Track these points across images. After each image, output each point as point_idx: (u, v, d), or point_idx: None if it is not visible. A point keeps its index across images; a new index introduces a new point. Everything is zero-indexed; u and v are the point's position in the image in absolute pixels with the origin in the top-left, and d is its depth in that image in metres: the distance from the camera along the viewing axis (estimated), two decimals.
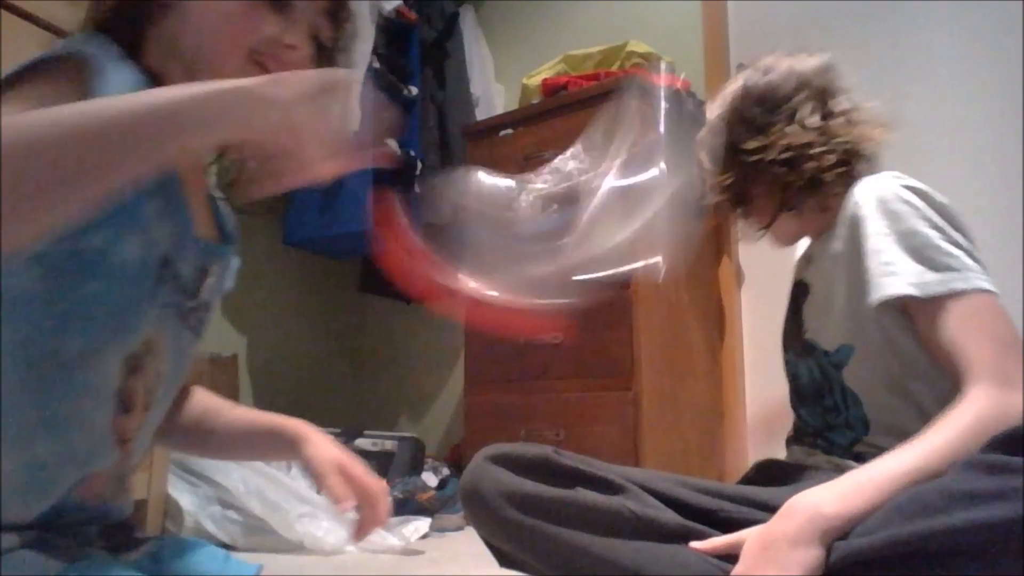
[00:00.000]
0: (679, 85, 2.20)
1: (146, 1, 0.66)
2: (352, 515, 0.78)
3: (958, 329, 0.79)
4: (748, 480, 1.00)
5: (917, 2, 2.15)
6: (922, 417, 0.83)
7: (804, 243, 1.09)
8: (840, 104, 0.99)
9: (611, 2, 2.71)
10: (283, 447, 0.81)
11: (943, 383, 0.83)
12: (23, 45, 1.32)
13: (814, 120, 0.97)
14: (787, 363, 1.05)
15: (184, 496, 1.73)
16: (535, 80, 2.40)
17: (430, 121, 2.66)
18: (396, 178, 2.59)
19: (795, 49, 1.06)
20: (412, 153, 2.59)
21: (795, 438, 1.03)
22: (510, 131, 2.29)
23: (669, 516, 0.78)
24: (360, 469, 0.79)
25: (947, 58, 2.09)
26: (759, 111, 0.99)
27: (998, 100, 1.99)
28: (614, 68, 2.29)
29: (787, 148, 0.96)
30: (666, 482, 0.86)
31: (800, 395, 1.02)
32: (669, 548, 0.76)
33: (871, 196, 0.89)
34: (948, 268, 0.81)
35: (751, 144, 0.98)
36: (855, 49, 2.23)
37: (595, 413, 1.93)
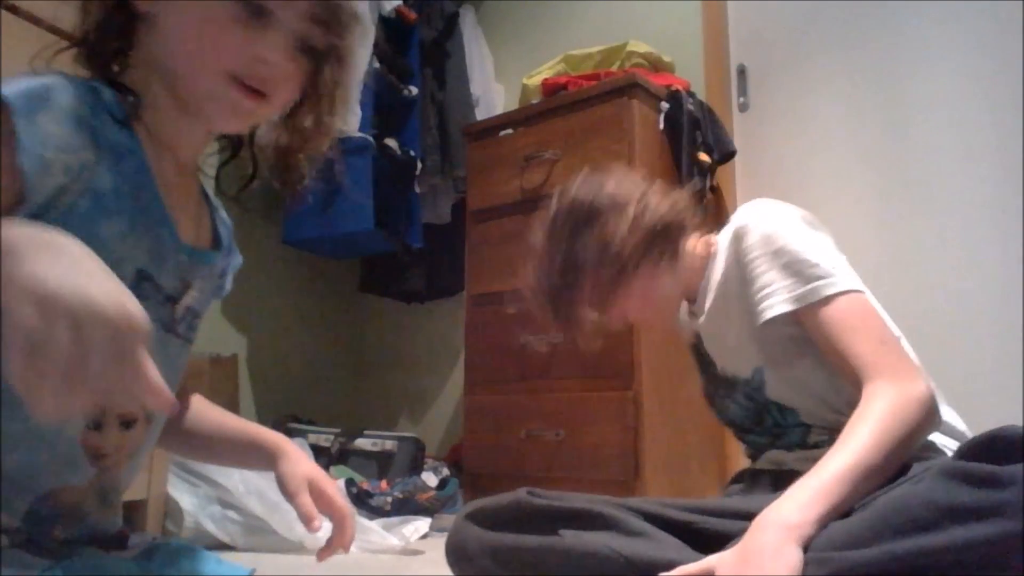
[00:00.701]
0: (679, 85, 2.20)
1: (125, 18, 0.65)
2: (321, 534, 0.78)
3: (837, 330, 0.87)
4: (728, 492, 1.05)
5: (917, 2, 2.15)
6: (847, 404, 0.88)
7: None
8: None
9: (611, 2, 2.71)
10: (261, 459, 0.82)
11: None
12: (23, 45, 1.32)
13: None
14: (718, 414, 1.12)
15: (184, 496, 1.73)
16: (535, 80, 2.40)
17: (430, 121, 2.66)
18: (396, 178, 2.59)
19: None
20: (412, 153, 2.60)
21: (753, 456, 1.09)
22: (510, 131, 2.29)
23: (650, 550, 0.78)
24: (332, 489, 0.80)
25: (947, 57, 2.09)
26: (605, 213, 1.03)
27: (998, 99, 1.99)
28: (614, 68, 2.29)
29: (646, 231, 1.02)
30: (649, 503, 0.87)
31: (742, 429, 1.08)
32: None
33: (745, 226, 0.97)
34: (817, 277, 0.89)
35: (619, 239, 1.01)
36: (855, 49, 2.23)
37: (595, 413, 1.93)
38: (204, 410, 0.85)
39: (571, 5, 2.82)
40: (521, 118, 2.28)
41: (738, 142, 2.31)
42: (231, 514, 1.71)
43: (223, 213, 0.80)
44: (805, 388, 0.95)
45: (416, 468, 2.33)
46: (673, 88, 2.16)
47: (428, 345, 2.98)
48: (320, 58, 0.69)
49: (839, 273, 0.89)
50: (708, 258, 1.06)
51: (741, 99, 2.46)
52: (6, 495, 0.58)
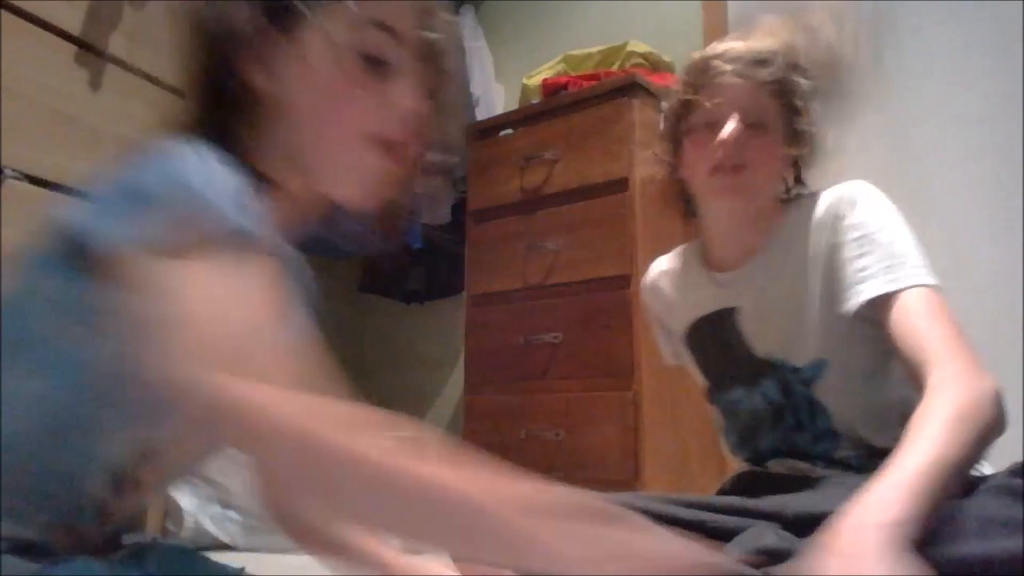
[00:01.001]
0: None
1: (238, 99, 0.63)
2: None
3: (918, 315, 0.82)
4: (725, 491, 0.98)
5: (917, 2, 2.15)
6: (883, 424, 0.86)
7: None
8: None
9: (611, 2, 2.71)
10: None
11: (898, 390, 0.85)
12: (23, 45, 1.32)
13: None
14: (732, 403, 1.01)
15: (184, 496, 1.73)
16: (535, 80, 2.40)
17: None
18: None
19: None
20: None
21: (755, 460, 1.00)
22: (510, 131, 2.29)
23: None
24: None
25: (947, 57, 2.09)
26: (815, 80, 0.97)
27: (998, 99, 1.99)
28: (614, 68, 2.29)
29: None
30: (653, 501, 0.85)
31: (753, 426, 0.98)
32: None
33: (847, 203, 0.92)
34: (912, 265, 0.85)
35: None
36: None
37: (595, 413, 1.93)
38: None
39: (571, 5, 2.81)
40: (521, 118, 2.28)
41: None
42: (231, 514, 1.71)
43: (305, 267, 0.78)
44: (862, 398, 0.89)
45: None
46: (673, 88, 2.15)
47: (428, 345, 2.98)
48: (432, 96, 0.68)
49: (928, 268, 0.86)
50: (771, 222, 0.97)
51: None
52: (16, 520, 0.57)
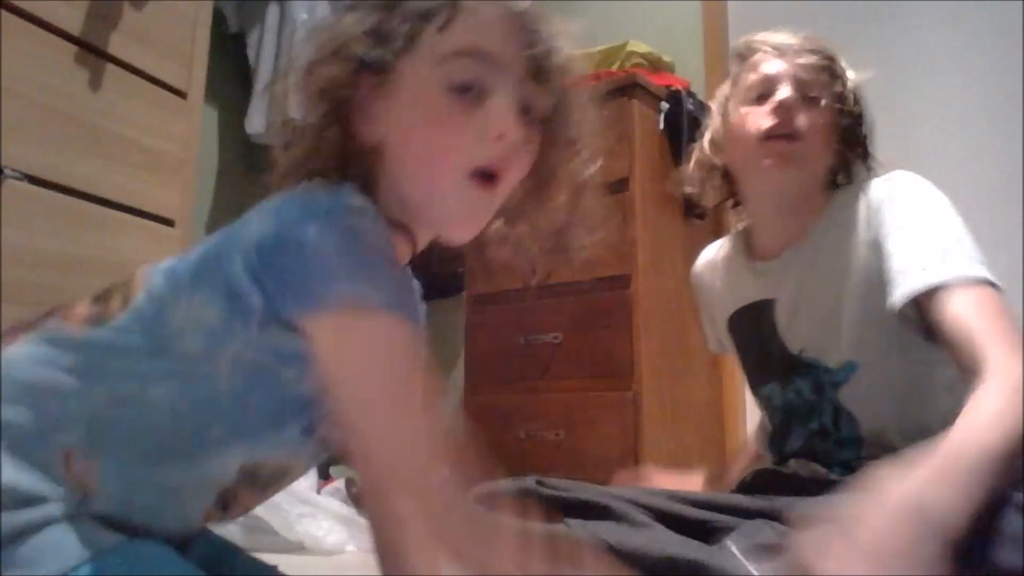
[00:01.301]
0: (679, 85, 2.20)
1: (350, 152, 0.63)
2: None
3: (974, 310, 0.76)
4: (743, 486, 0.97)
5: (917, 2, 2.15)
6: (920, 435, 0.83)
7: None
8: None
9: (611, 2, 2.71)
10: None
11: (944, 399, 0.82)
12: (23, 45, 1.32)
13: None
14: (767, 398, 0.99)
15: None
16: None
17: None
18: None
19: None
20: None
21: (778, 461, 0.99)
22: None
23: (654, 547, 0.75)
24: None
25: (947, 57, 2.09)
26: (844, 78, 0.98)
27: (998, 99, 1.99)
28: (614, 68, 2.29)
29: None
30: (657, 497, 0.84)
31: (785, 423, 0.96)
32: None
33: (894, 195, 0.88)
34: (959, 257, 0.80)
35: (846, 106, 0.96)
36: (855, 49, 2.23)
37: (595, 413, 1.93)
38: None
39: (571, 5, 2.81)
40: None
41: None
42: None
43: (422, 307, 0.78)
44: (895, 408, 0.86)
45: None
46: (673, 88, 2.15)
47: (428, 345, 2.97)
48: (548, 117, 0.66)
49: (985, 263, 0.81)
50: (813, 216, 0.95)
51: None
52: (119, 517, 0.57)
